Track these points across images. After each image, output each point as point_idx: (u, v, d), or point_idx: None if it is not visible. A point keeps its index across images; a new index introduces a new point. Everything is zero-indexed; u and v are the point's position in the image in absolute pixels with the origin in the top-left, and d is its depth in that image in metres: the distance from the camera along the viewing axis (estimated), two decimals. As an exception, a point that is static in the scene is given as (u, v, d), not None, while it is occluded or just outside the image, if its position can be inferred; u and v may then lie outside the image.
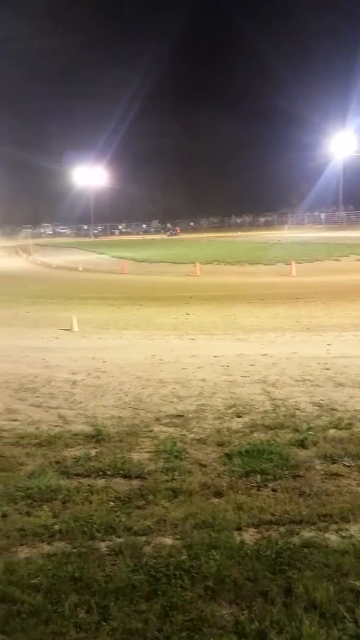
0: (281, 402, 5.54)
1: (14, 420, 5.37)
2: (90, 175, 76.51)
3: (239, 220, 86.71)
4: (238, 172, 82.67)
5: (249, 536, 3.16)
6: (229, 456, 4.19)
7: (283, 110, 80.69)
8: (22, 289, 18.97)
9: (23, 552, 3.10)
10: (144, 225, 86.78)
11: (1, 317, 12.35)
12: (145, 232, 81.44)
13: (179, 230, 74.31)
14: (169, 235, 69.23)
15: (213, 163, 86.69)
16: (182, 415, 5.25)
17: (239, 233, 61.28)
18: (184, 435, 4.75)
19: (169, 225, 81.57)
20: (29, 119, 79.78)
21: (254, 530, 3.22)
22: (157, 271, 24.21)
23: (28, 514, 3.50)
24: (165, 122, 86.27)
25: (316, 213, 77.68)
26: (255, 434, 4.67)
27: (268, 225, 77.10)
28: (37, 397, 6.12)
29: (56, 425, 5.17)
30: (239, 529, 3.22)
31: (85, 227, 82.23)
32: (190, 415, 5.26)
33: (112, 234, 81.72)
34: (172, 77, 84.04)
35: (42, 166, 77.59)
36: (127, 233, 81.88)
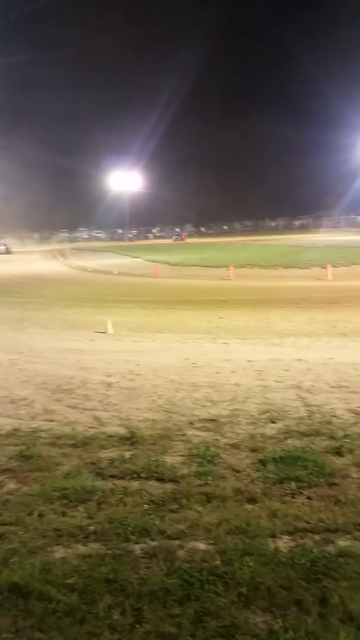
0: (316, 408, 5.46)
1: (51, 420, 5.47)
2: (125, 180, 77.41)
3: (273, 224, 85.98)
4: (273, 175, 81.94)
5: (283, 543, 3.13)
6: (262, 462, 4.16)
7: (318, 112, 79.60)
8: (59, 292, 19.31)
9: (59, 552, 3.16)
10: (178, 229, 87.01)
11: (39, 319, 12.59)
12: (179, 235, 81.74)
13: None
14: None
15: (248, 166, 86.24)
16: (215, 420, 5.24)
17: (273, 236, 60.69)
18: (217, 439, 4.73)
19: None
20: (68, 125, 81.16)
21: (288, 537, 3.19)
22: (191, 275, 24.22)
23: (64, 514, 3.56)
24: (201, 125, 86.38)
25: (352, 216, 76.31)
26: (289, 441, 4.62)
27: (303, 229, 76.18)
28: (73, 398, 6.23)
29: (91, 427, 5.24)
30: (273, 536, 3.19)
31: (120, 231, 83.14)
32: (223, 419, 5.24)
33: (146, 237, 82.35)
34: (208, 81, 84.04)
35: (79, 171, 78.98)
36: (161, 237, 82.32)
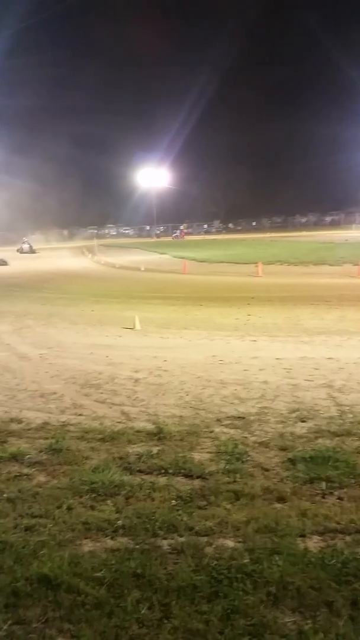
0: (348, 408, 5.37)
1: (80, 415, 5.53)
2: (154, 177, 77.62)
3: (303, 220, 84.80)
4: (304, 170, 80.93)
5: (313, 544, 3.09)
6: (292, 461, 4.11)
7: (349, 107, 78.21)
8: (87, 288, 19.47)
9: (87, 546, 3.18)
10: (205, 226, 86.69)
11: (67, 315, 12.73)
12: (207, 232, 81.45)
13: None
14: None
15: (277, 162, 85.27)
16: (243, 417, 5.20)
17: (304, 233, 59.88)
18: (246, 437, 4.70)
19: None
20: (97, 122, 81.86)
21: (318, 537, 3.14)
22: (219, 271, 24.07)
23: (92, 507, 3.59)
24: (230, 121, 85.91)
25: (386, 212, 74.78)
26: (320, 440, 4.55)
27: (334, 225, 74.91)
28: (102, 393, 6.28)
29: (119, 422, 5.27)
30: (302, 535, 3.15)
31: (148, 227, 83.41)
32: (251, 417, 5.20)
33: (174, 234, 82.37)
34: (238, 77, 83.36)
35: (108, 169, 79.67)
36: (188, 233, 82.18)
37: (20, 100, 73.10)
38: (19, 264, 34.30)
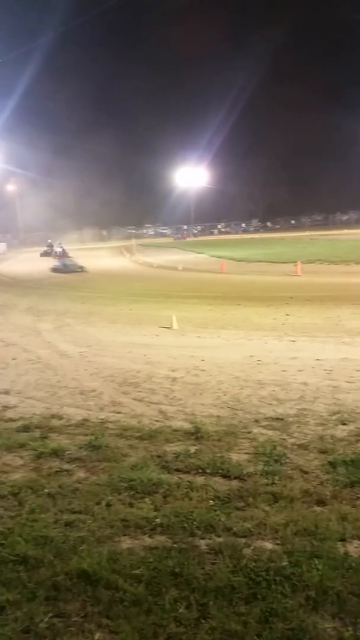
0: (390, 410, 5.23)
1: (119, 412, 5.60)
2: (192, 176, 77.62)
3: (344, 218, 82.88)
4: (344, 167, 79.16)
5: (354, 548, 3.03)
6: (332, 464, 4.04)
7: (394, 101, 76.07)
8: (125, 288, 19.66)
9: (125, 543, 3.22)
10: (244, 225, 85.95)
11: (106, 314, 12.90)
12: (245, 231, 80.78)
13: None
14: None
15: (317, 159, 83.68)
16: (281, 419, 5.14)
17: (345, 231, 58.50)
18: (284, 439, 4.65)
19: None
20: (137, 123, 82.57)
21: (359, 542, 3.08)
22: (257, 270, 23.85)
23: (131, 505, 3.62)
24: (268, 118, 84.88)
25: None
26: (361, 443, 4.46)
27: (376, 223, 73.18)
28: (139, 391, 6.33)
29: (157, 420, 5.30)
30: (343, 539, 3.10)
31: (185, 227, 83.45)
32: (290, 419, 5.14)
33: (211, 233, 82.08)
34: (276, 74, 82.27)
35: (146, 169, 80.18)
36: (226, 232, 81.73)
37: (64, 101, 74.48)
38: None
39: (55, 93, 71.19)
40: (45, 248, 42.14)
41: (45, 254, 40.58)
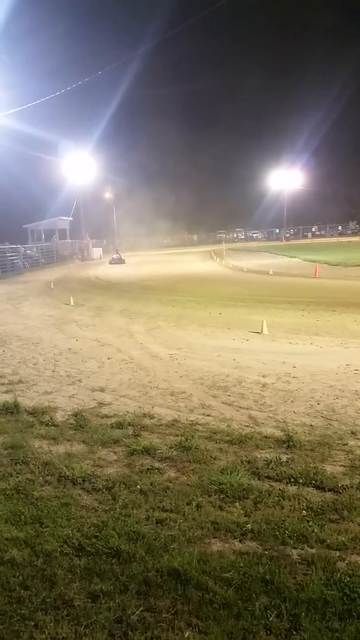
0: None
1: (208, 415, 5.62)
2: (285, 178, 76.40)
3: None
4: None
5: None
6: None
7: None
8: (215, 292, 19.72)
9: (216, 545, 3.23)
10: (340, 227, 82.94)
11: (196, 317, 13.01)
12: (341, 234, 77.85)
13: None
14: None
15: None
16: (381, 432, 4.89)
17: None
18: (384, 453, 4.42)
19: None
20: (231, 126, 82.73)
21: None
22: (354, 275, 22.83)
23: (221, 508, 3.63)
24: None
25: None
26: None
27: None
28: (229, 395, 6.32)
29: (247, 425, 5.26)
30: None
31: (277, 230, 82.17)
32: (390, 432, 4.87)
33: (305, 237, 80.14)
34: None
35: (239, 172, 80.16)
36: (320, 236, 79.29)
37: (160, 107, 76.44)
38: (154, 267, 35.84)
39: (151, 98, 73.28)
40: (114, 256, 44.33)
41: (113, 261, 42.58)
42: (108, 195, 70.54)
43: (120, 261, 41.40)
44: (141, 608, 2.72)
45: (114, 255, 43.69)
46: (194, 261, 41.78)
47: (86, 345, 9.84)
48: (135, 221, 69.89)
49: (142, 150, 73.98)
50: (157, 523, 3.48)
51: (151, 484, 4.02)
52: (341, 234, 77.31)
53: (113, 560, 3.11)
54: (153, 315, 13.43)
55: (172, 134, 77.42)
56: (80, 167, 52.82)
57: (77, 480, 4.14)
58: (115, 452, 4.70)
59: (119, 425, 5.34)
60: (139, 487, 3.99)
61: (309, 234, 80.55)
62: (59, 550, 3.22)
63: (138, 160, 71.95)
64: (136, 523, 3.47)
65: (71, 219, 55.64)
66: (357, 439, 4.78)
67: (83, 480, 4.13)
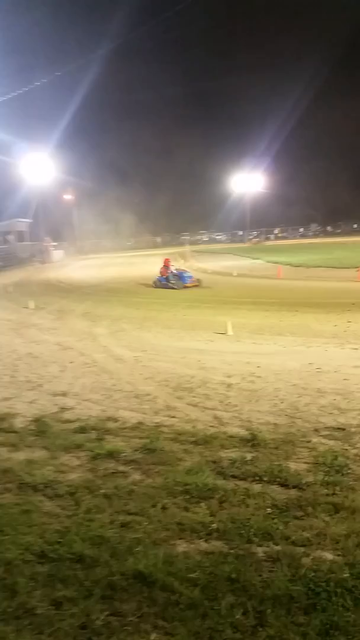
0: None
1: (173, 417, 5.60)
2: (247, 181, 77.20)
3: None
4: None
5: None
6: None
7: None
8: (180, 293, 19.73)
9: (181, 546, 3.20)
10: (302, 229, 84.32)
11: (161, 319, 12.98)
12: (303, 236, 79.16)
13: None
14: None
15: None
16: (343, 429, 4.98)
17: None
18: (346, 449, 4.49)
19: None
20: (192, 129, 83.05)
21: None
22: (315, 276, 23.25)
23: (186, 509, 3.61)
24: (328, 122, 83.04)
25: None
26: None
27: None
28: (194, 397, 6.31)
29: (212, 426, 5.26)
30: None
31: (240, 232, 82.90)
32: (353, 429, 4.96)
33: (267, 239, 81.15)
34: (335, 77, 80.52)
35: (201, 175, 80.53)
36: (283, 238, 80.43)
37: (109, 111, 76.12)
38: (118, 270, 35.61)
39: (106, 102, 72.86)
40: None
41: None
42: (69, 196, 69.70)
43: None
44: (106, 613, 2.67)
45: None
46: (158, 263, 41.63)
47: (47, 350, 9.65)
48: (99, 223, 69.23)
49: (106, 153, 73.52)
50: (121, 526, 3.43)
51: (115, 488, 3.97)
52: (303, 236, 78.71)
53: (77, 566, 3.04)
54: (117, 318, 13.31)
55: (137, 136, 77.29)
56: (39, 168, 52.09)
57: (38, 487, 4.04)
58: (78, 457, 4.62)
59: (82, 430, 5.25)
60: (102, 491, 3.93)
61: (272, 236, 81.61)
62: (20, 558, 3.13)
63: (102, 162, 71.41)
64: (100, 527, 3.41)
65: (30, 220, 54.57)
66: (320, 436, 4.85)
67: (45, 487, 4.04)
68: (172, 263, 23.50)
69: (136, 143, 77.24)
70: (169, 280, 21.99)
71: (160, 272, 23.02)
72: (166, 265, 23.02)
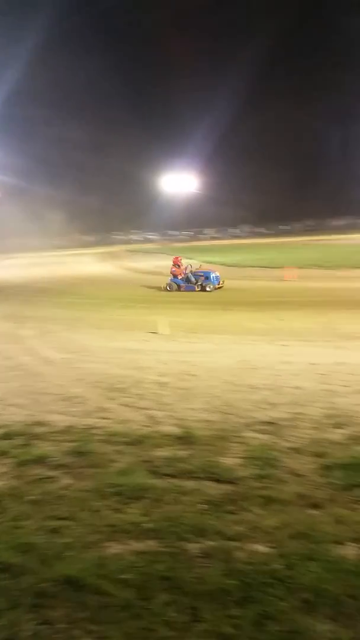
0: (388, 414, 5.16)
1: (105, 418, 5.46)
2: (180, 182, 77.77)
3: (337, 223, 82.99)
4: (337, 172, 79.41)
5: (351, 551, 2.94)
6: (328, 468, 3.95)
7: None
8: (112, 293, 19.53)
9: (113, 548, 3.11)
10: (237, 230, 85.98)
11: (93, 319, 12.76)
12: (236, 236, 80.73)
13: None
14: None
15: (309, 164, 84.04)
16: (275, 423, 5.06)
17: (338, 236, 58.32)
18: (277, 443, 4.56)
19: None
20: (123, 128, 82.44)
21: (355, 545, 3.00)
22: (248, 276, 23.76)
23: (118, 510, 3.51)
24: (259, 124, 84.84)
25: None
26: (358, 447, 4.37)
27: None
28: (127, 397, 6.20)
29: (145, 425, 5.19)
30: (339, 542, 3.01)
31: (174, 233, 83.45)
32: (283, 423, 5.05)
33: (199, 239, 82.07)
34: (265, 80, 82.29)
35: (134, 175, 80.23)
36: (216, 238, 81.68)
37: (40, 106, 74.20)
38: (46, 269, 34.71)
39: (34, 97, 70.94)
40: None
41: None
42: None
43: None
44: (35, 622, 2.54)
45: None
46: (89, 262, 41.05)
47: (-32, 354, 9.19)
48: (24, 220, 66.96)
49: (34, 149, 71.44)
50: (51, 532, 3.28)
51: (44, 493, 3.79)
52: (236, 237, 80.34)
53: (3, 576, 2.87)
54: (45, 319, 12.92)
55: (68, 133, 75.83)
56: None
57: None
58: (3, 464, 4.37)
59: (7, 436, 4.98)
60: (30, 497, 3.74)
61: (205, 236, 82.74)
62: None
63: (29, 158, 69.29)
64: (28, 534, 3.25)
65: None
66: (252, 430, 4.90)
67: (-34, 496, 3.80)
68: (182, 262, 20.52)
69: (67, 140, 75.89)
70: (190, 282, 19.33)
71: (173, 273, 19.83)
72: (177, 264, 19.99)
